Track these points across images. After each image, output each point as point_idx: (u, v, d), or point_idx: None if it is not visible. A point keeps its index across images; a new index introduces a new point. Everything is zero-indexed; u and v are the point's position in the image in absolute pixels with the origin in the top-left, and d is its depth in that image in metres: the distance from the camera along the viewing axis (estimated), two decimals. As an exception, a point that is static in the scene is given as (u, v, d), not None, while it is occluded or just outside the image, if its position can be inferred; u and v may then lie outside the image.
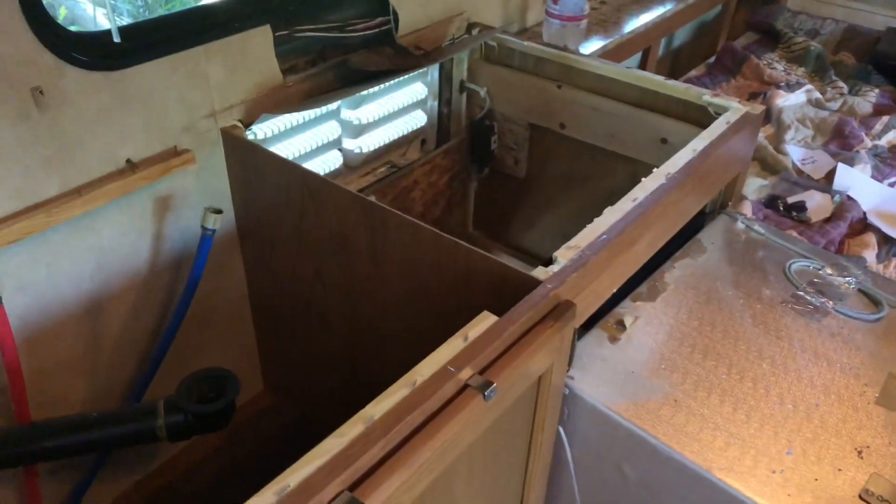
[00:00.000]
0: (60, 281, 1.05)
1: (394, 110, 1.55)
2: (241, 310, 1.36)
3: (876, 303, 1.15)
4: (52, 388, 1.10)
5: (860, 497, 0.87)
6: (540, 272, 0.91)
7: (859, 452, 0.92)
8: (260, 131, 1.24)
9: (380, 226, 1.03)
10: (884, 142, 2.06)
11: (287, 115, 1.27)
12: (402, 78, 1.45)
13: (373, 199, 1.04)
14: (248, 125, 1.19)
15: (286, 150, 1.31)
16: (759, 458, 0.91)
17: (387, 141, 1.56)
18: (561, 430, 1.02)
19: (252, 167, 1.17)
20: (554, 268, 0.92)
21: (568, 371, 0.99)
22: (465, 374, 0.77)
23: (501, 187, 1.75)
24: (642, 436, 0.94)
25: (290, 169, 1.11)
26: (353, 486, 0.66)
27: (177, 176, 1.13)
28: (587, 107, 1.48)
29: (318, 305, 1.22)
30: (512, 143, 1.66)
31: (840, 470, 0.90)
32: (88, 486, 1.20)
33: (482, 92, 1.62)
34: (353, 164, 1.51)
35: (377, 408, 0.71)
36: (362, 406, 0.71)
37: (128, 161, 1.06)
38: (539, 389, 0.91)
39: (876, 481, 0.88)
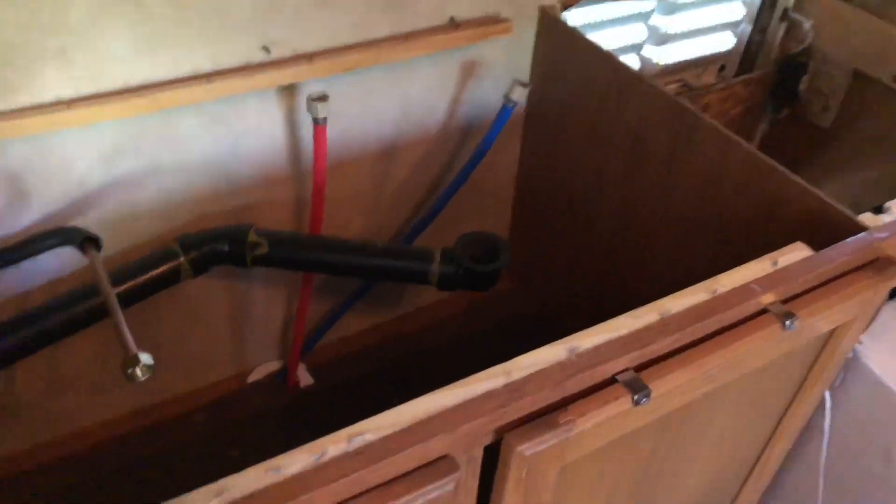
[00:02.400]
0: (368, 119, 1.13)
1: (703, 26, 1.45)
2: (505, 191, 1.39)
3: None
4: (337, 216, 1.19)
5: None
6: (867, 218, 0.82)
7: None
8: (570, 18, 1.22)
9: (687, 133, 0.98)
10: None
11: (599, 6, 1.23)
12: (726, -10, 1.34)
13: (686, 103, 0.98)
14: (564, 7, 1.17)
15: (590, 43, 1.28)
16: None
17: (687, 57, 1.47)
18: (827, 394, 0.94)
19: (562, 50, 1.15)
20: (885, 217, 0.82)
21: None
22: (768, 298, 0.72)
23: (795, 133, 1.59)
24: (932, 426, 0.84)
25: (604, 58, 1.07)
26: (639, 369, 0.65)
27: (489, 44, 1.14)
28: (936, 61, 1.28)
29: (590, 203, 1.20)
30: (825, 88, 1.49)
31: None
32: (343, 313, 1.32)
33: (807, 24, 1.46)
34: (647, 74, 1.44)
35: (674, 303, 0.69)
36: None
37: (451, 19, 1.09)
38: (828, 341, 0.83)
39: None
